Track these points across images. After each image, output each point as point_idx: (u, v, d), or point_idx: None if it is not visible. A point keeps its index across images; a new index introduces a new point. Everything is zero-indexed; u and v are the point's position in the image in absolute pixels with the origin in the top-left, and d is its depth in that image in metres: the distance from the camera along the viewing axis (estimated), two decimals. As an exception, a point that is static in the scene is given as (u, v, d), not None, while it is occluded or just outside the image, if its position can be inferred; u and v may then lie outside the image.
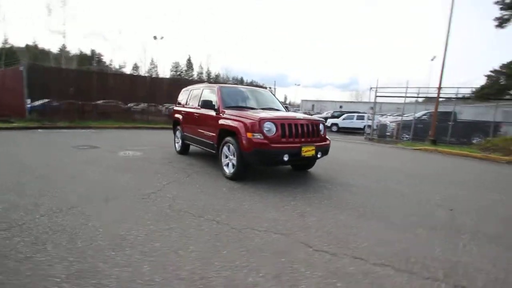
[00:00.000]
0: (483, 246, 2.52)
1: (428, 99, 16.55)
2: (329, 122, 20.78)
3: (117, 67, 54.48)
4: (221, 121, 4.55)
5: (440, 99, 12.88)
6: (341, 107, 35.02)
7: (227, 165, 4.42)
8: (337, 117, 22.03)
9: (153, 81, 17.27)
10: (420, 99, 17.68)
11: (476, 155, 8.28)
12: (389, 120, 16.36)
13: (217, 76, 63.43)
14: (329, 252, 2.26)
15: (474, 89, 11.31)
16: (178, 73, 66.50)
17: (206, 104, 4.90)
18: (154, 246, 2.24)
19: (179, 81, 20.30)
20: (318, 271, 1.98)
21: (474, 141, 12.45)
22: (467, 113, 14.89)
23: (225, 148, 4.43)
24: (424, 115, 14.71)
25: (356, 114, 20.86)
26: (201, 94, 5.63)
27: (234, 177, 4.21)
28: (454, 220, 3.14)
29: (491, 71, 10.70)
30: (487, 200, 4.04)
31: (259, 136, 3.86)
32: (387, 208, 3.39)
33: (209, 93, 5.40)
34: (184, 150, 6.42)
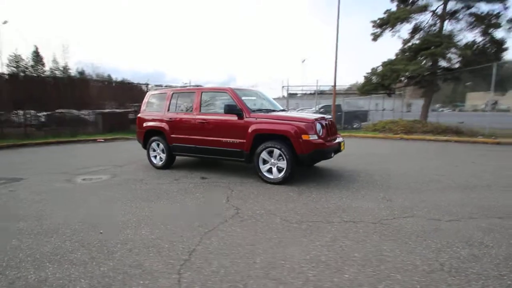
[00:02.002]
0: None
1: (318, 94, 20.57)
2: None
3: None
4: (255, 126, 4.32)
5: (328, 94, 16.36)
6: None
7: (269, 170, 4.32)
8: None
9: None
10: (311, 94, 21.51)
11: (378, 136, 11.18)
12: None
13: (81, 73, 52.31)
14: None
15: (357, 87, 14.98)
16: (21, 68, 50.18)
17: (231, 108, 4.46)
18: None
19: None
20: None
21: (354, 126, 16.80)
22: (351, 104, 19.54)
23: (263, 154, 4.29)
24: (322, 108, 18.19)
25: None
26: (200, 98, 5.01)
27: (283, 182, 4.18)
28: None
29: (366, 73, 14.40)
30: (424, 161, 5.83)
31: (316, 137, 4.04)
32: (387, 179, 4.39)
33: (219, 96, 4.92)
34: (169, 164, 5.53)
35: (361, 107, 19.41)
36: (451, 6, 12.79)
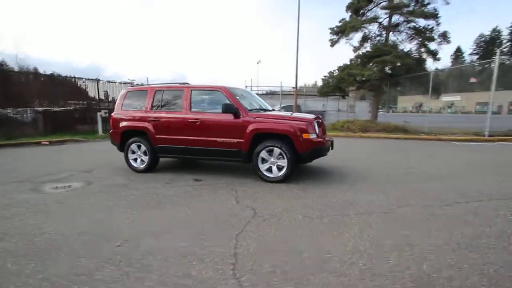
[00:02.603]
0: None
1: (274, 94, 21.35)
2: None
3: None
4: (254, 125, 4.29)
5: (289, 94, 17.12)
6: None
7: (269, 169, 4.35)
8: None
9: None
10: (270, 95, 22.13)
11: (340, 134, 12.07)
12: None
13: (1, 64, 44.47)
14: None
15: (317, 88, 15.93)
16: None
17: (228, 108, 4.34)
18: None
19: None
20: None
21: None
22: (310, 105, 20.70)
23: (263, 153, 4.30)
24: (283, 108, 18.85)
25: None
26: (190, 96, 4.76)
27: (284, 179, 4.26)
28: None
29: (324, 76, 15.43)
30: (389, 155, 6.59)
31: (315, 136, 4.20)
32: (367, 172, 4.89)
33: (211, 95, 4.75)
34: (152, 166, 5.15)
35: (311, 107, 20.72)
36: (394, 19, 14.52)
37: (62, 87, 13.31)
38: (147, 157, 5.07)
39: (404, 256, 2.18)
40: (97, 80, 13.79)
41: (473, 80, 46.36)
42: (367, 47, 15.42)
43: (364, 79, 12.23)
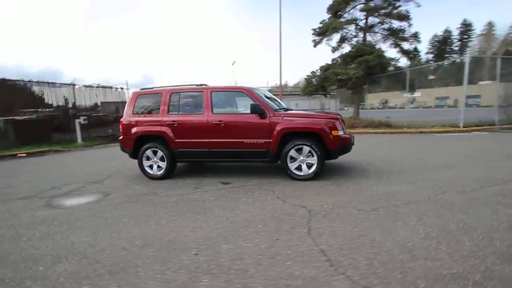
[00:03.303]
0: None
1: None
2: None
3: None
4: (283, 125, 4.31)
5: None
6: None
7: (298, 167, 4.39)
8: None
9: None
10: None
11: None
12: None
13: None
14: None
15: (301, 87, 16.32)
16: None
17: (256, 108, 4.30)
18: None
19: None
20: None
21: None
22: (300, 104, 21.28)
23: (292, 151, 4.34)
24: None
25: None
26: (210, 98, 4.63)
27: (314, 177, 4.33)
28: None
29: (307, 75, 15.87)
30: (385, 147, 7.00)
31: (342, 133, 4.32)
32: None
33: (234, 96, 4.69)
34: (170, 172, 4.94)
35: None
36: (370, 20, 15.34)
37: (22, 94, 12.03)
38: (165, 163, 4.85)
39: (475, 237, 2.34)
40: (73, 85, 12.83)
41: (431, 77, 50.64)
42: (345, 47, 16.16)
43: (349, 77, 12.74)
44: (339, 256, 2.15)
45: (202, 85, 4.99)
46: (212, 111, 4.62)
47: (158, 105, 4.89)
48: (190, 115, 4.73)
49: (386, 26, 15.13)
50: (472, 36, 71.53)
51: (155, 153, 4.90)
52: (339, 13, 15.39)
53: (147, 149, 4.89)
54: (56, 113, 12.48)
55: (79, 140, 12.19)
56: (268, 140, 4.38)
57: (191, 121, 4.69)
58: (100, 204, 3.75)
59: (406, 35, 14.72)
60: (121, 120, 5.12)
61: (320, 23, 15.17)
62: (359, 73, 12.55)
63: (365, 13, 14.65)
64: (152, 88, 5.22)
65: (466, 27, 72.55)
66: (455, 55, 70.61)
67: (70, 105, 12.90)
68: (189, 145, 4.69)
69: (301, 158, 4.36)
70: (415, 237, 2.41)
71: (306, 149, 4.30)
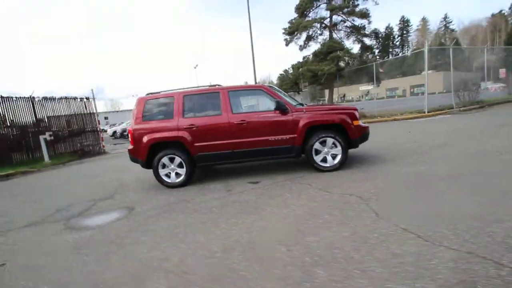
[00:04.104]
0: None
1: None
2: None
3: None
4: (306, 119, 4.39)
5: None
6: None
7: (324, 159, 4.52)
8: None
9: None
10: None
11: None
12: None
13: None
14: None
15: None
16: None
17: (281, 105, 4.32)
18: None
19: None
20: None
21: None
22: None
23: (316, 144, 4.46)
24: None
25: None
26: (228, 98, 4.53)
27: (340, 167, 4.50)
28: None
29: (280, 74, 16.27)
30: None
31: (361, 122, 4.56)
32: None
33: (251, 95, 4.66)
34: (191, 178, 4.75)
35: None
36: (334, 18, 16.26)
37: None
38: (184, 169, 4.64)
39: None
40: (32, 98, 11.44)
41: (381, 70, 55.25)
42: (311, 45, 16.92)
43: (323, 73, 13.36)
44: (425, 231, 2.29)
45: (215, 85, 4.87)
46: (231, 111, 4.54)
47: (170, 109, 4.65)
48: (209, 117, 4.59)
49: (348, 23, 16.18)
50: (410, 31, 79.83)
51: (172, 160, 4.65)
52: (305, 12, 16.04)
53: (163, 156, 4.62)
54: (16, 131, 11.05)
55: (46, 158, 10.92)
56: (292, 136, 4.45)
57: (210, 123, 4.55)
58: (134, 219, 3.47)
59: (367, 32, 15.88)
60: (130, 128, 4.76)
61: (289, 22, 15.64)
62: (333, 68, 13.26)
63: (329, 12, 15.47)
64: (158, 92, 4.94)
65: (404, 24, 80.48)
66: (397, 49, 78.24)
67: (30, 120, 11.49)
68: (210, 148, 4.55)
69: (326, 150, 4.50)
70: (487, 204, 2.67)
71: (330, 140, 4.45)
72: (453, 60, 12.57)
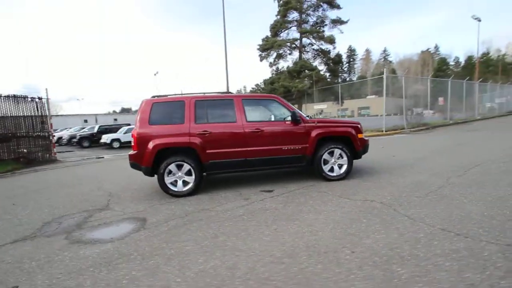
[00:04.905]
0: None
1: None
2: (108, 138, 18.07)
3: None
4: (318, 130, 4.61)
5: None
6: (115, 119, 30.63)
7: (331, 169, 4.76)
8: (112, 131, 19.63)
9: None
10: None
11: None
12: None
13: None
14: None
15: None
16: None
17: (295, 116, 4.46)
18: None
19: None
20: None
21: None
22: None
23: (326, 155, 4.69)
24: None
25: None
26: (242, 106, 4.53)
27: (345, 176, 4.78)
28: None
29: (252, 88, 16.67)
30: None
31: (363, 135, 4.95)
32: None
33: (264, 104, 4.71)
34: (199, 187, 4.54)
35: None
36: (303, 41, 17.46)
37: None
38: (192, 177, 4.42)
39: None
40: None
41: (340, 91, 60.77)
42: (280, 63, 17.83)
43: (296, 90, 14.11)
44: (460, 230, 2.61)
45: (227, 92, 4.83)
46: (246, 119, 4.54)
47: (181, 113, 4.45)
48: (223, 123, 4.50)
49: (315, 47, 17.52)
50: (355, 60, 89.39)
51: (179, 167, 4.40)
52: (278, 32, 16.93)
53: (171, 163, 4.34)
54: None
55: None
56: (304, 145, 4.62)
57: (225, 130, 4.47)
58: (156, 229, 3.18)
59: (332, 56, 17.38)
60: (133, 132, 4.39)
61: (263, 40, 16.30)
62: (306, 86, 14.12)
63: (300, 34, 16.59)
64: (166, 95, 4.70)
65: (351, 52, 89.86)
66: (345, 75, 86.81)
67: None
68: (223, 155, 4.44)
69: (333, 160, 4.76)
70: (483, 206, 3.11)
71: (337, 151, 4.73)
72: (405, 87, 14.46)
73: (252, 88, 17.09)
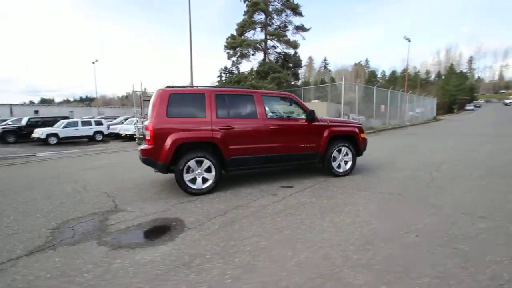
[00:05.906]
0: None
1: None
2: (42, 132, 15.44)
3: None
4: (330, 129, 4.88)
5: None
6: (36, 111, 25.06)
7: (339, 166, 5.11)
8: (46, 124, 16.84)
9: None
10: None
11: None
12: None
13: None
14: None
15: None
16: None
17: (312, 114, 4.64)
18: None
19: None
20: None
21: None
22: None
23: (335, 152, 5.02)
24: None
25: (80, 120, 17.45)
26: (263, 102, 4.51)
27: (350, 172, 5.19)
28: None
29: (214, 84, 16.39)
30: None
31: (365, 134, 5.43)
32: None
33: (281, 101, 4.76)
34: (217, 185, 4.37)
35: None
36: (268, 43, 17.92)
37: None
38: (212, 174, 4.23)
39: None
40: None
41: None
42: (242, 62, 18.01)
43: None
44: (479, 213, 3.16)
45: (228, 87, 4.75)
46: (266, 116, 4.55)
47: (201, 107, 4.21)
48: (245, 119, 4.42)
49: (279, 50, 18.19)
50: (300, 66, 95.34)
51: (199, 163, 4.17)
52: (244, 32, 17.02)
53: (191, 159, 4.07)
54: None
55: None
56: (318, 143, 4.86)
57: (247, 126, 4.39)
58: (208, 229, 2.98)
59: (294, 59, 18.29)
60: (149, 126, 3.97)
61: (229, 38, 16.18)
62: (274, 87, 14.54)
63: (265, 36, 16.99)
64: (184, 87, 4.37)
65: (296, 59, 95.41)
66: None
67: None
68: (245, 151, 4.36)
69: (340, 157, 5.13)
70: (488, 194, 3.81)
71: (344, 149, 5.11)
72: (358, 92, 16.12)
73: (215, 85, 16.77)
